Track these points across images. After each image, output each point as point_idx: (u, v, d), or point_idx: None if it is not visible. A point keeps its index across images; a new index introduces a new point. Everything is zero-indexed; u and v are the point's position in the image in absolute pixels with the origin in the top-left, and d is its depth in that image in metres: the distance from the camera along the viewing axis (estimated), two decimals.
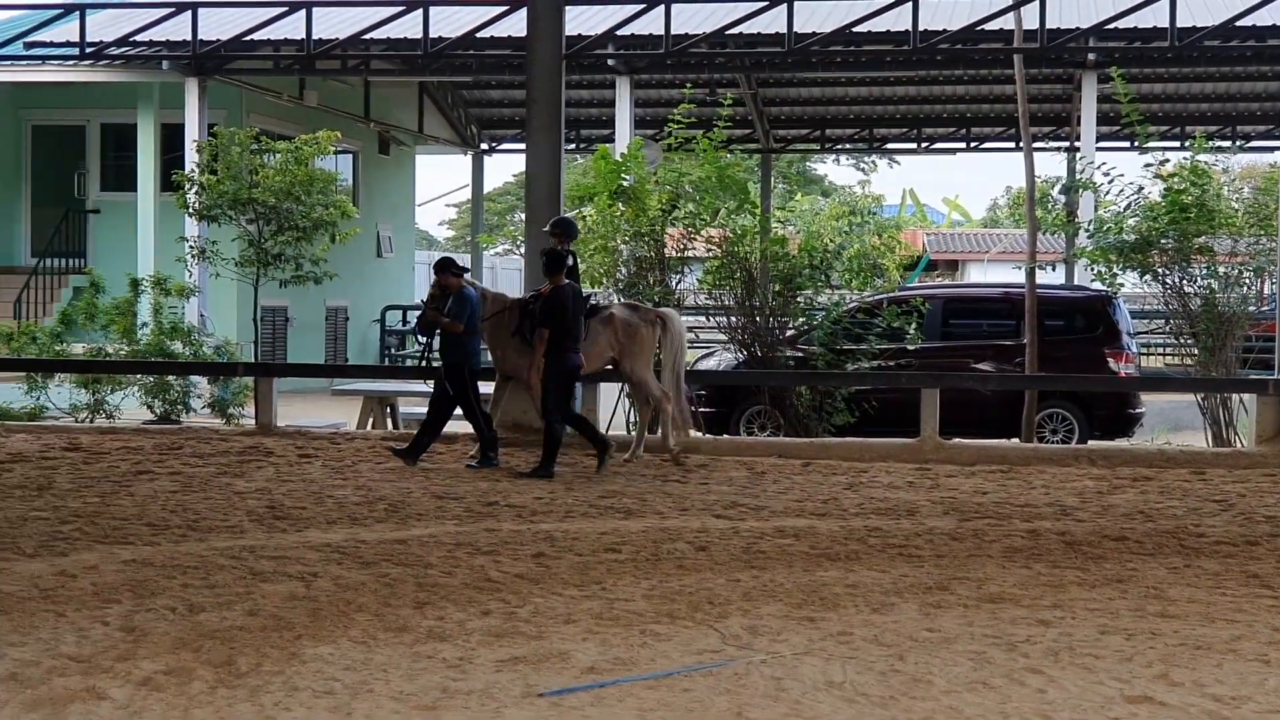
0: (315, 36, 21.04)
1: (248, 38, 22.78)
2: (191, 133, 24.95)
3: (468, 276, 16.63)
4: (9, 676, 7.44)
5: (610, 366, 16.70)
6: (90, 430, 18.79)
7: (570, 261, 16.23)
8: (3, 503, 12.95)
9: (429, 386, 16.95)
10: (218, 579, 9.83)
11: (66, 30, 23.87)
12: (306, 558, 10.61)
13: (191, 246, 22.75)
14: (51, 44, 24.36)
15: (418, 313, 16.85)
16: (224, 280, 23.14)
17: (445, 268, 16.28)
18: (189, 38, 21.74)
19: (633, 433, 17.27)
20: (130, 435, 18.17)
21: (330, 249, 21.51)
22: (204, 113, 25.25)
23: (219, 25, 24.13)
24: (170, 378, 20.97)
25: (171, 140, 26.44)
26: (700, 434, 19.11)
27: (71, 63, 25.49)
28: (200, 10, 21.28)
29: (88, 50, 21.86)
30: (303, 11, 20.56)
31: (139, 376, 20.87)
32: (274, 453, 16.60)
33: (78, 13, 21.21)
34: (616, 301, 18.08)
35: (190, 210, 21.92)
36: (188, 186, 21.74)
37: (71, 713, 6.92)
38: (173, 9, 22.18)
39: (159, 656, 7.86)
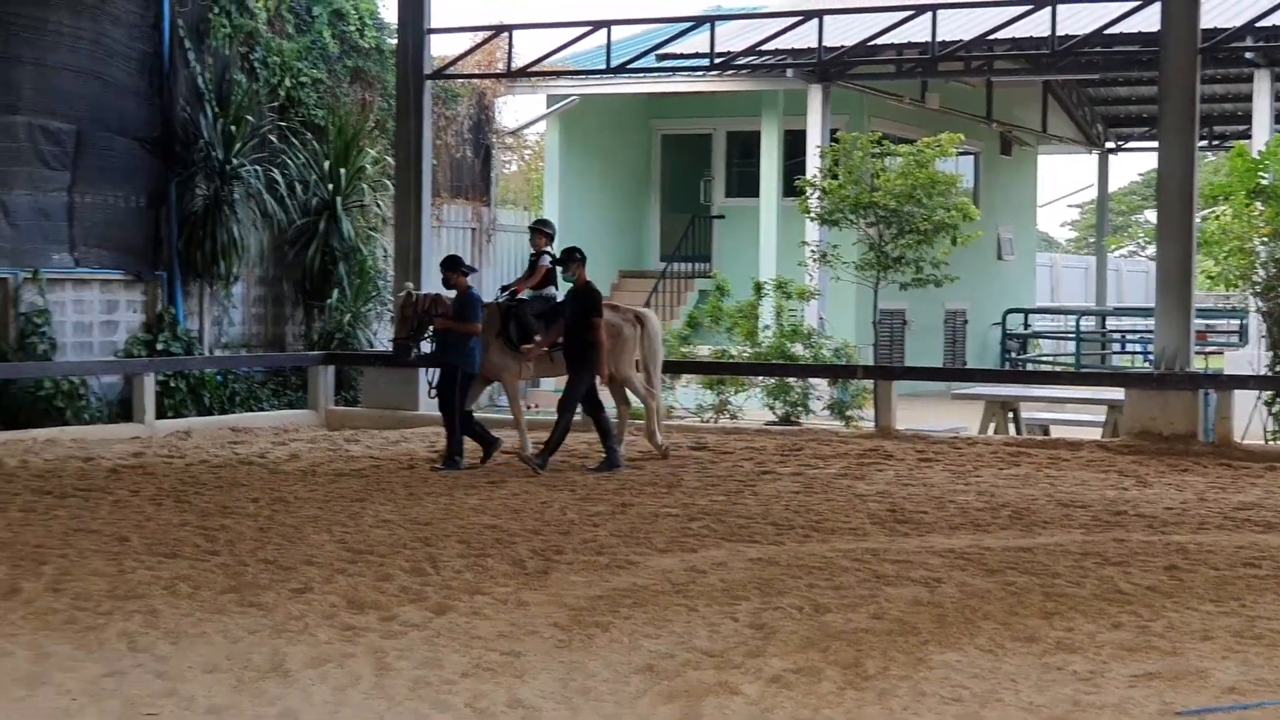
0: (938, 39, 20.92)
1: (871, 43, 22.88)
2: (814, 138, 25.29)
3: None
4: (646, 668, 7.65)
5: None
6: (715, 430, 19.28)
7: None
8: (636, 499, 13.42)
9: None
10: (842, 580, 9.85)
11: (696, 42, 24.62)
12: (930, 562, 10.51)
13: (813, 250, 23.07)
14: (681, 55, 25.18)
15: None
16: (843, 283, 23.35)
17: (454, 266, 15.89)
18: (813, 44, 21.99)
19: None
20: (753, 436, 18.54)
21: (951, 252, 21.36)
22: (826, 118, 25.55)
23: (842, 32, 24.34)
24: (791, 379, 21.30)
25: (793, 146, 26.92)
26: None
27: (700, 73, 26.31)
28: (824, 17, 21.52)
29: (716, 61, 22.45)
30: (927, 15, 20.47)
31: (761, 378, 21.29)
32: (894, 456, 16.59)
33: (708, 25, 21.79)
34: None
35: (812, 215, 22.21)
36: (809, 191, 22.04)
37: (706, 706, 7.04)
38: (799, 18, 22.52)
39: (788, 655, 7.92)
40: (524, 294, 16.43)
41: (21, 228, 19.39)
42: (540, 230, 16.82)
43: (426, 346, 16.45)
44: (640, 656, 7.87)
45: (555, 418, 15.65)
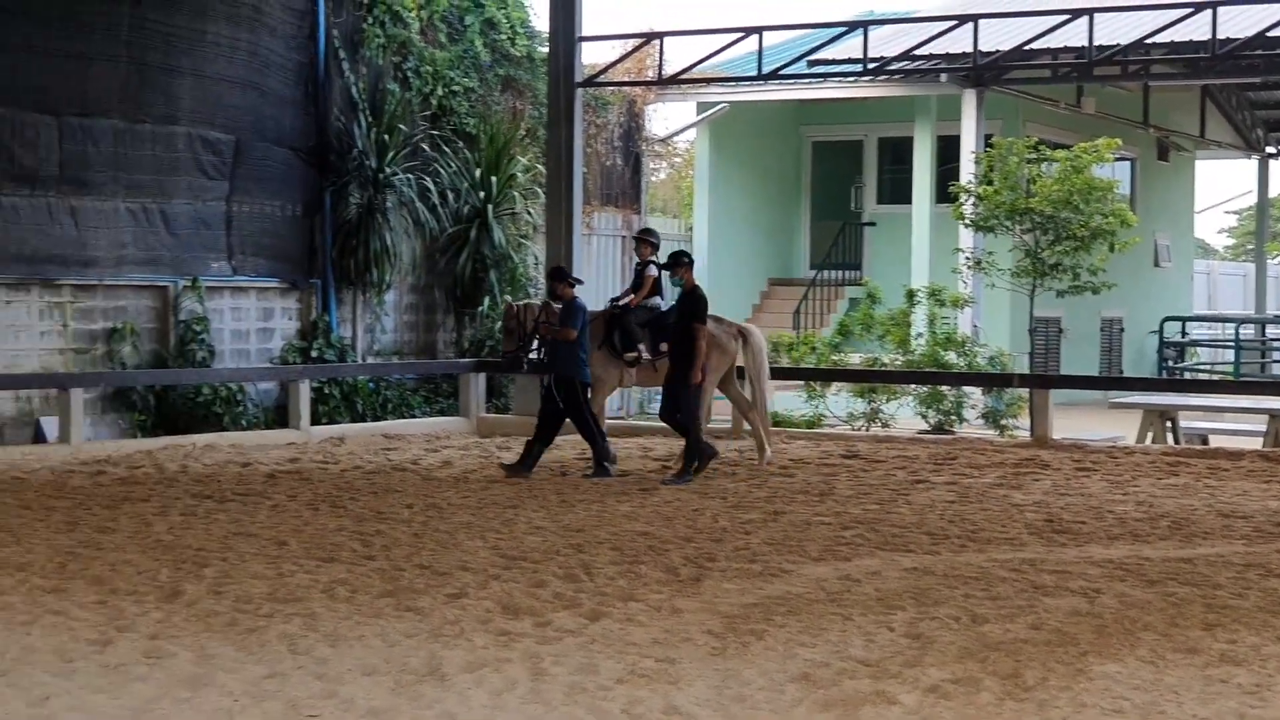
0: (1095, 43, 20.61)
1: (1026, 47, 22.60)
2: (968, 144, 25.07)
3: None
4: (801, 676, 7.60)
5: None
6: (867, 438, 19.16)
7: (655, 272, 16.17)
8: (788, 507, 13.35)
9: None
10: (999, 590, 9.72)
11: (847, 47, 24.46)
12: (1088, 573, 10.35)
13: (967, 257, 22.85)
14: (833, 61, 25.05)
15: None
16: (997, 290, 23.10)
17: (560, 276, 15.78)
18: (968, 49, 21.77)
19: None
20: (905, 444, 18.39)
21: (1108, 259, 21.05)
22: (981, 124, 25.33)
23: (997, 36, 24.07)
24: (944, 388, 21.09)
25: (946, 152, 26.70)
26: None
27: (852, 79, 26.17)
28: (979, 21, 21.30)
29: (869, 66, 22.31)
30: (1083, 19, 20.18)
31: (913, 386, 21.12)
32: (1050, 465, 16.37)
33: (861, 30, 21.67)
34: None
35: (966, 221, 22.00)
36: (964, 197, 21.83)
37: (864, 715, 6.99)
38: (954, 22, 22.33)
39: (945, 665, 7.82)
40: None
41: (181, 236, 19.76)
42: (645, 240, 16.89)
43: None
44: (796, 665, 7.82)
45: (683, 433, 15.50)
